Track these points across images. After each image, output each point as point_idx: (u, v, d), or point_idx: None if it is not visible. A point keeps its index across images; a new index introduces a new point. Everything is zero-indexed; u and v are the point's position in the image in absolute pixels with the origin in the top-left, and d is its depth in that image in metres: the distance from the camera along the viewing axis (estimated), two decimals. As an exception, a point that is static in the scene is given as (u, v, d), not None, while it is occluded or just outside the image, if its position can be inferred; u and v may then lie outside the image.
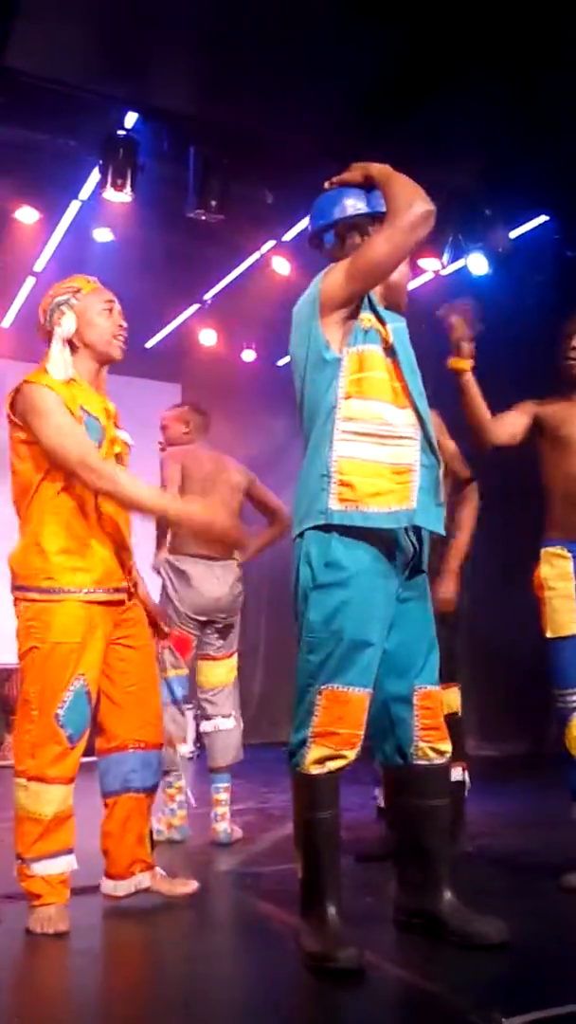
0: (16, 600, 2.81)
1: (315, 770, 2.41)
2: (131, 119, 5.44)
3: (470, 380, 3.13)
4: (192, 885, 3.04)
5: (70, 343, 2.92)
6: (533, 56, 4.72)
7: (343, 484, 2.41)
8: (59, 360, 2.87)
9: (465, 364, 3.09)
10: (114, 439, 2.94)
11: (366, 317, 2.50)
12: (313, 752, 2.42)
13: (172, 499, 3.19)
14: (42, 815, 2.68)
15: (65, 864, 2.71)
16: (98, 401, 2.93)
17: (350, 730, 2.41)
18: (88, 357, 2.95)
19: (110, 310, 2.98)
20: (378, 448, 2.44)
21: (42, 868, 2.67)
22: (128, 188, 5.44)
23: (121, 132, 5.44)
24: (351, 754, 2.43)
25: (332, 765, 2.42)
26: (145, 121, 5.48)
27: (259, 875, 3.33)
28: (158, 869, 3.00)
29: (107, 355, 2.98)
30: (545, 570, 3.19)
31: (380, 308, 2.54)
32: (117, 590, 2.86)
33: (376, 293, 2.55)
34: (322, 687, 2.42)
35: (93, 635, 2.78)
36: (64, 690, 2.72)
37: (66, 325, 2.90)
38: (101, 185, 5.49)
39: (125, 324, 3.01)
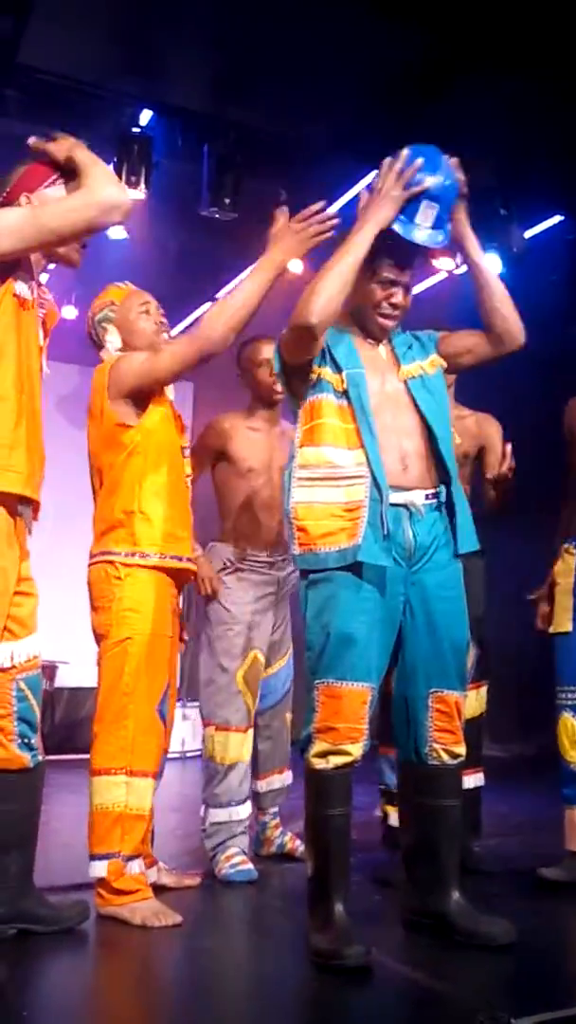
0: (102, 578, 2.79)
1: (319, 765, 2.44)
2: (146, 116, 5.44)
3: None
4: (196, 879, 3.06)
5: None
6: (549, 55, 4.70)
7: (299, 529, 2.52)
8: None
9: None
10: (183, 430, 3.01)
11: (316, 370, 2.58)
12: (315, 747, 2.45)
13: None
14: (144, 811, 2.70)
15: (142, 861, 2.74)
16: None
17: (348, 724, 2.42)
18: None
19: (147, 311, 3.01)
20: (330, 491, 2.50)
21: (135, 865, 2.69)
22: (142, 186, 5.45)
23: (136, 130, 5.44)
24: (354, 749, 2.44)
25: (335, 760, 2.43)
26: (160, 119, 5.48)
27: (266, 871, 3.34)
28: (162, 863, 3.01)
29: None
30: (559, 565, 3.21)
31: (341, 357, 2.57)
32: (189, 560, 2.91)
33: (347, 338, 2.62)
34: (318, 682, 2.46)
35: (171, 627, 2.83)
36: (164, 682, 2.75)
37: (111, 342, 2.96)
38: (115, 182, 5.50)
39: (165, 320, 3.03)
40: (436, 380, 2.67)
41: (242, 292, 2.75)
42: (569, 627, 3.11)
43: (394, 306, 2.63)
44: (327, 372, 2.57)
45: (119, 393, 2.84)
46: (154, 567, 2.79)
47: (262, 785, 3.53)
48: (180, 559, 2.85)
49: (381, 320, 2.64)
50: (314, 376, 2.58)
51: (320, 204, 2.73)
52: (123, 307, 3.02)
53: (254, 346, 3.61)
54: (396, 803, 3.34)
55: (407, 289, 2.65)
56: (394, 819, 3.34)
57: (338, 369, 2.56)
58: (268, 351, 3.45)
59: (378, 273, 2.60)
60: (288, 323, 2.53)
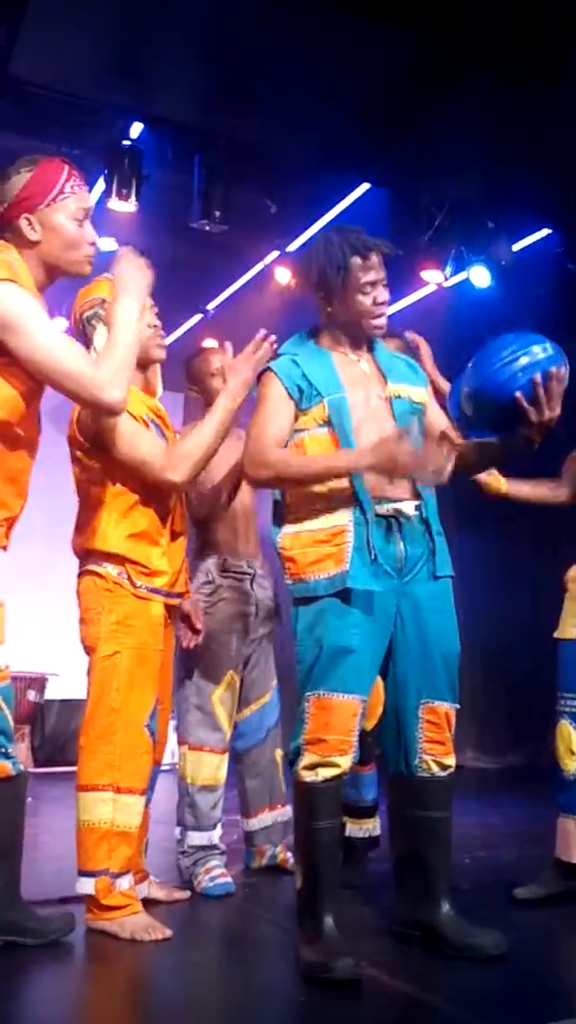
0: (91, 592, 2.75)
1: (308, 777, 2.44)
2: (136, 129, 5.47)
3: (511, 491, 3.28)
4: (186, 892, 3.05)
5: None
6: (537, 67, 4.74)
7: (288, 559, 2.54)
8: None
9: (501, 487, 3.25)
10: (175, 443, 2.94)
11: (297, 416, 2.57)
12: (304, 759, 2.45)
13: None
14: (131, 828, 2.66)
15: (131, 876, 2.72)
16: (154, 407, 2.90)
17: (338, 736, 2.42)
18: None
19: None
20: (313, 521, 2.51)
21: (124, 881, 2.66)
22: (132, 198, 5.47)
23: (126, 142, 5.46)
24: (343, 761, 2.43)
25: (324, 773, 2.43)
26: (150, 131, 5.51)
27: (255, 884, 3.33)
28: (152, 877, 3.00)
29: (148, 359, 2.91)
30: (572, 571, 3.19)
31: (320, 381, 2.56)
32: (179, 595, 2.90)
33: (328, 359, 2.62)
34: (309, 694, 2.46)
35: (161, 641, 2.80)
36: (153, 698, 2.72)
37: (100, 345, 2.79)
38: (106, 194, 5.51)
39: (159, 323, 2.93)
40: (419, 409, 2.67)
41: (203, 435, 2.74)
42: (572, 634, 3.09)
43: (382, 304, 2.61)
44: (307, 415, 2.55)
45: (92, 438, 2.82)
46: (139, 597, 2.78)
47: (253, 823, 3.49)
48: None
49: (376, 323, 2.62)
50: (297, 424, 2.58)
51: (262, 332, 2.77)
52: None
53: (203, 357, 3.52)
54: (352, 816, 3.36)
55: (384, 283, 2.61)
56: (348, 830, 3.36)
57: (319, 396, 2.55)
58: (219, 360, 3.42)
59: (354, 281, 2.57)
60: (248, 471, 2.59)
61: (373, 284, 2.58)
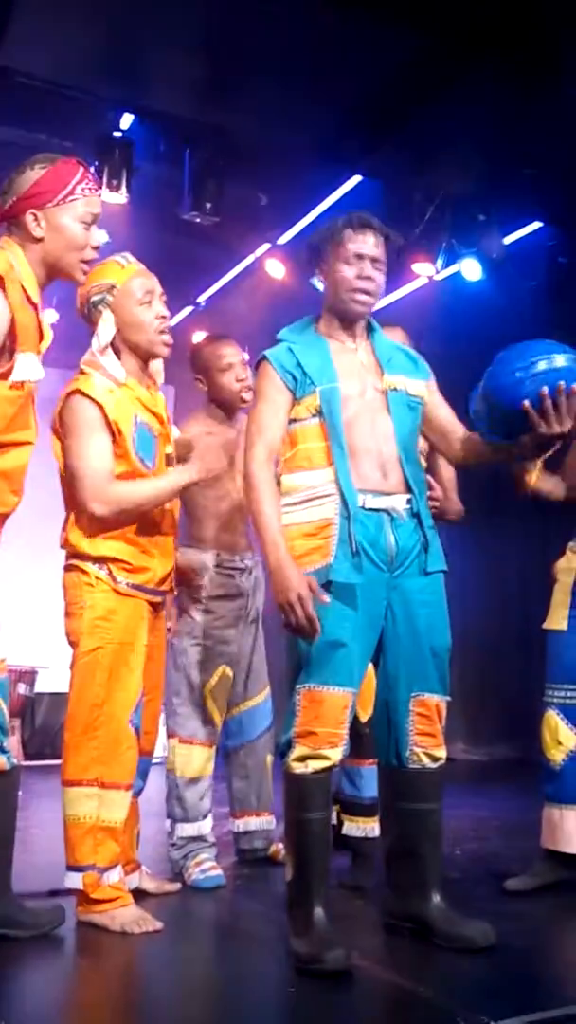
0: (75, 587, 2.74)
1: (298, 769, 2.44)
2: (127, 120, 5.44)
3: (539, 487, 3.19)
4: (176, 884, 3.05)
5: (112, 345, 2.81)
6: (529, 61, 4.73)
7: None
8: (98, 373, 2.77)
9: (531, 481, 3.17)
10: (167, 440, 2.91)
11: (292, 407, 2.56)
12: (295, 751, 2.45)
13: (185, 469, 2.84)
14: (117, 823, 2.65)
15: (120, 869, 2.71)
16: (150, 401, 2.88)
17: (328, 729, 2.43)
18: (132, 356, 2.85)
19: (149, 302, 2.84)
20: (302, 512, 2.51)
21: (112, 875, 2.65)
22: (123, 189, 5.44)
23: (117, 133, 5.43)
24: (333, 754, 2.44)
25: (314, 765, 2.43)
26: (141, 123, 5.48)
27: (246, 876, 3.33)
28: (144, 868, 3.00)
29: (151, 354, 2.88)
30: (562, 562, 3.20)
31: (314, 370, 2.54)
32: (163, 593, 2.89)
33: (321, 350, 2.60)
34: (300, 687, 2.46)
35: (145, 636, 2.80)
36: (137, 693, 2.71)
37: (104, 332, 2.78)
38: (96, 186, 5.50)
39: (167, 313, 2.89)
40: (417, 403, 2.66)
41: (149, 492, 2.75)
42: (564, 625, 3.09)
43: (368, 279, 2.56)
44: (301, 404, 2.55)
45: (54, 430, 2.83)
46: (121, 594, 2.78)
47: (239, 825, 3.49)
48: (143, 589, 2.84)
49: (354, 297, 2.57)
50: (293, 412, 2.57)
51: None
52: (123, 292, 2.82)
53: (213, 348, 3.44)
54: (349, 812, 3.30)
55: (376, 263, 2.57)
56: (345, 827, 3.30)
57: (312, 385, 2.54)
58: (232, 354, 3.38)
59: (343, 252, 2.56)
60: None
61: (360, 256, 2.55)
